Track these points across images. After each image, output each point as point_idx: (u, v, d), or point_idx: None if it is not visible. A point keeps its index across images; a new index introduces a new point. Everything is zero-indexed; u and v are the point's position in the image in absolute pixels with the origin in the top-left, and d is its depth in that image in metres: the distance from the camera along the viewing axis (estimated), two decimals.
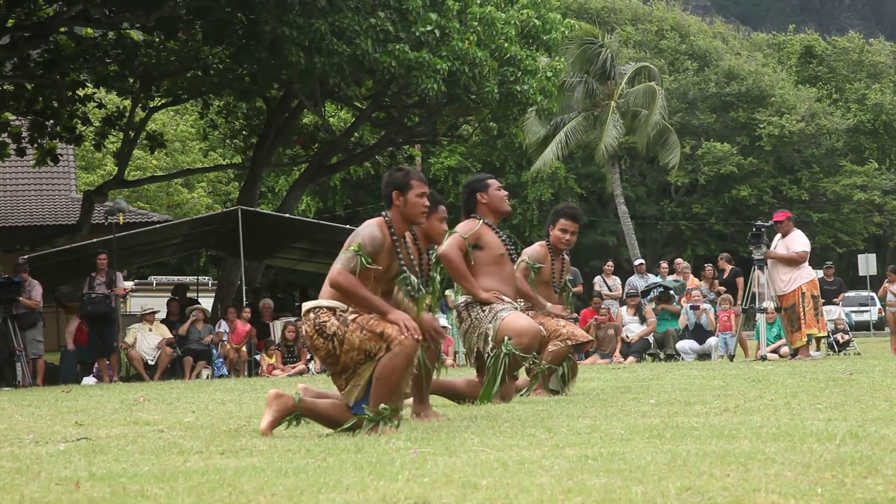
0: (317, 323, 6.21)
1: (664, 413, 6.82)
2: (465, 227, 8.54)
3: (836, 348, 20.15)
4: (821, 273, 22.76)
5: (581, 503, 3.47)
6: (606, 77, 41.82)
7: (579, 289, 20.75)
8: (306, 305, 6.34)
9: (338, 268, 6.23)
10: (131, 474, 4.61)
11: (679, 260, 23.41)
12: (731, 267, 21.04)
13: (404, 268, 6.50)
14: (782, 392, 8.36)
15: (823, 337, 17.91)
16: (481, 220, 8.56)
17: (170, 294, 25.10)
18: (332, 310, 6.23)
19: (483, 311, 8.38)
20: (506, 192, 8.76)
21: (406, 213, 6.51)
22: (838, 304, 21.53)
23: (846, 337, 20.56)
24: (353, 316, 6.17)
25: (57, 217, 31.04)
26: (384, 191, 6.58)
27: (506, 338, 8.19)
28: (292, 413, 6.29)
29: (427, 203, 6.60)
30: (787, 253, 16.12)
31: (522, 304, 9.12)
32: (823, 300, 20.63)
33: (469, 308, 8.45)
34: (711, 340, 19.70)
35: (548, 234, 9.65)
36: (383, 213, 6.55)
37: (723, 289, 20.36)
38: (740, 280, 20.31)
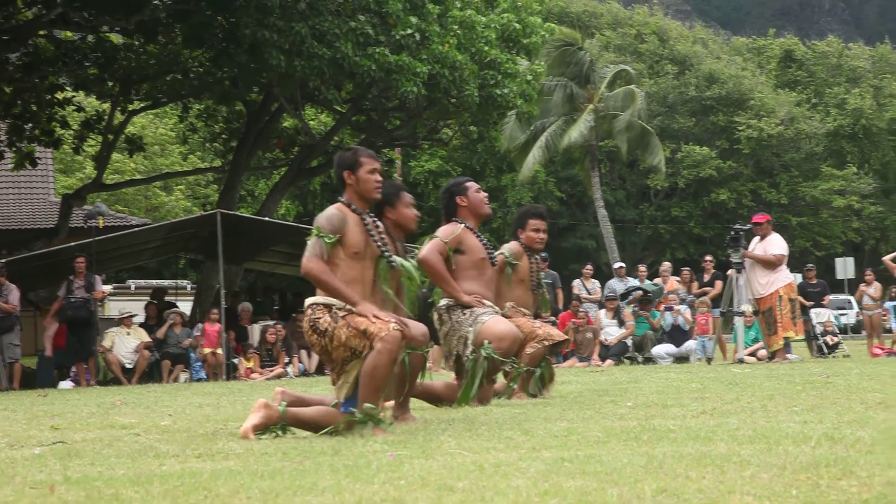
0: (312, 319, 6.29)
1: (641, 416, 6.83)
2: (447, 231, 8.54)
3: (826, 351, 20.21)
4: (800, 277, 22.88)
5: None
6: (586, 81, 41.88)
7: (559, 294, 20.82)
8: (307, 301, 6.41)
9: (306, 256, 6.28)
10: (106, 478, 4.59)
11: (667, 264, 23.38)
12: (714, 270, 21.08)
13: (385, 251, 6.52)
14: (759, 395, 8.38)
15: (801, 340, 18.02)
16: (462, 224, 8.56)
17: (148, 298, 25.04)
18: (329, 307, 6.28)
19: (464, 314, 8.38)
20: (485, 195, 8.77)
21: (360, 191, 6.54)
22: (826, 307, 21.58)
23: (835, 339, 20.61)
24: (343, 313, 6.20)
25: (35, 221, 30.97)
26: (336, 173, 6.63)
27: (485, 342, 8.20)
28: (277, 423, 6.30)
29: (379, 179, 6.62)
30: (765, 255, 16.17)
31: (507, 307, 9.14)
32: (811, 302, 20.78)
33: (450, 311, 8.45)
34: (690, 343, 19.75)
35: (517, 238, 9.66)
36: (340, 196, 6.58)
37: (705, 289, 20.35)
38: (719, 283, 20.36)
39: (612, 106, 41.87)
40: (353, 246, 6.34)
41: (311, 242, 6.32)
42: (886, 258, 21.34)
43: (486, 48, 23.15)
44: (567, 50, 41.32)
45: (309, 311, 6.35)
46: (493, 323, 8.30)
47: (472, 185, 8.71)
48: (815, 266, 23.93)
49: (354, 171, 6.54)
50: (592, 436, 5.61)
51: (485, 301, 8.44)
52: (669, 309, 20.24)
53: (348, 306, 6.24)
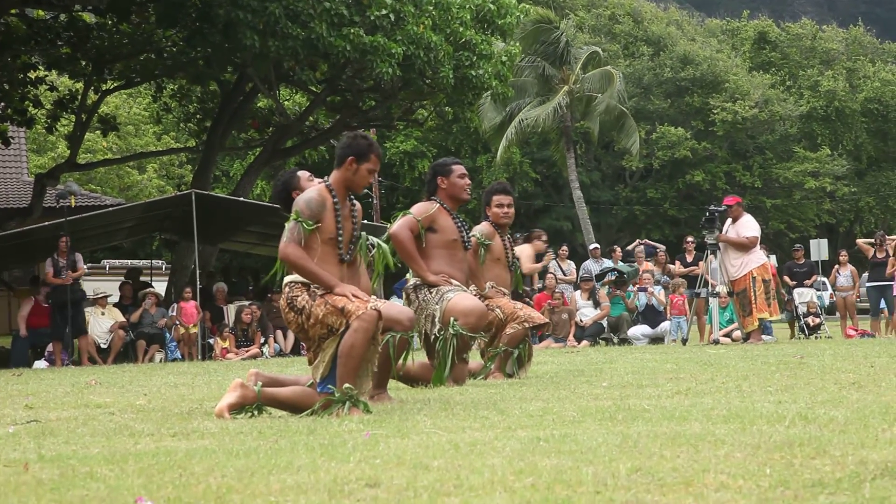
0: (289, 297, 6.32)
1: (616, 396, 6.85)
2: (420, 208, 8.54)
3: (807, 332, 20.30)
4: (774, 259, 22.94)
5: (532, 484, 3.48)
6: (561, 62, 41.80)
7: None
8: (285, 280, 6.43)
9: (284, 240, 6.27)
10: (81, 456, 4.59)
11: (641, 245, 23.42)
12: (695, 252, 21.09)
13: (361, 232, 6.53)
14: (733, 375, 8.42)
15: (778, 321, 18.10)
16: (438, 204, 8.56)
17: (123, 278, 24.95)
18: (307, 285, 6.28)
19: (430, 293, 8.37)
20: (468, 182, 8.75)
21: (352, 181, 6.51)
22: (810, 287, 21.66)
23: (817, 320, 20.71)
24: (321, 291, 6.21)
25: (8, 200, 30.78)
26: (342, 151, 6.55)
27: (452, 318, 8.19)
28: (252, 404, 6.29)
29: (372, 180, 6.63)
30: (738, 238, 16.21)
31: (473, 289, 9.13)
32: (795, 283, 20.88)
33: (417, 290, 8.45)
34: (665, 324, 19.84)
35: (486, 215, 9.69)
36: (324, 178, 6.55)
37: (692, 269, 20.26)
38: (703, 264, 20.45)
39: (588, 88, 41.81)
40: (328, 231, 6.33)
41: (290, 227, 6.31)
42: (860, 241, 21.46)
43: (461, 29, 23.10)
44: (542, 29, 41.21)
45: (286, 290, 6.35)
46: (459, 299, 8.29)
47: (457, 169, 8.70)
48: (790, 248, 24.00)
49: (360, 161, 6.50)
50: (568, 415, 5.62)
51: (452, 280, 8.43)
52: (643, 290, 20.33)
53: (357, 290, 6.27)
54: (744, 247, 16.14)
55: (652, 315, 20.19)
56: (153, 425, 5.91)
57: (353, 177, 6.49)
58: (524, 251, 16.59)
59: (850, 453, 3.87)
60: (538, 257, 18.36)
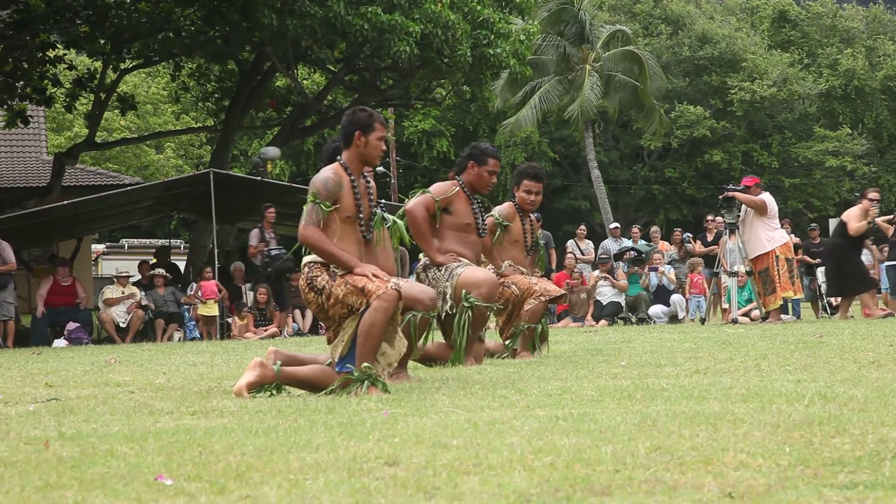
0: (309, 277, 6.33)
1: (635, 375, 6.85)
2: (440, 188, 8.54)
3: (829, 311, 20.24)
4: (796, 238, 22.81)
5: (551, 462, 3.48)
6: (582, 41, 41.68)
7: (552, 254, 20.87)
8: (305, 260, 6.44)
9: (302, 223, 6.27)
10: (101, 434, 4.61)
11: (656, 227, 23.44)
12: (716, 230, 21.00)
13: (377, 209, 6.54)
14: (752, 354, 8.40)
15: (800, 299, 18.06)
16: (459, 187, 8.55)
17: (141, 257, 25.04)
18: (326, 265, 6.29)
19: (440, 271, 8.37)
20: (494, 180, 8.71)
21: (365, 154, 6.51)
22: None
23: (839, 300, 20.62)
24: (341, 272, 6.21)
25: (27, 179, 30.83)
26: (345, 129, 6.55)
27: (464, 291, 8.19)
28: (272, 383, 6.30)
29: (384, 147, 6.61)
30: (751, 198, 16.12)
31: (489, 268, 9.13)
32: (818, 260, 20.80)
33: (426, 270, 8.45)
34: (674, 297, 19.86)
35: (513, 195, 9.66)
36: (338, 157, 6.54)
37: (712, 249, 20.12)
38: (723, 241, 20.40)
39: (609, 67, 41.69)
40: (347, 210, 6.34)
41: (308, 209, 6.31)
42: (880, 220, 21.33)
43: (479, 7, 23.05)
44: (564, 9, 41.09)
45: (306, 270, 6.36)
46: (469, 272, 8.29)
47: (491, 164, 8.64)
48: (808, 227, 23.89)
49: (366, 133, 6.50)
50: (586, 395, 5.62)
51: (460, 259, 8.42)
52: (654, 269, 20.34)
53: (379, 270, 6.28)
54: (759, 210, 16.05)
55: (664, 294, 20.19)
56: (172, 404, 5.93)
57: (364, 150, 6.49)
58: (851, 213, 16.75)
59: (870, 432, 3.86)
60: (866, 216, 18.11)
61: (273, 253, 19.12)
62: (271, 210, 19.53)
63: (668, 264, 20.72)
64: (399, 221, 6.98)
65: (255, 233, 19.60)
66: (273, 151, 22.10)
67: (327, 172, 6.40)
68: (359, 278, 6.19)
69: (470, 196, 8.58)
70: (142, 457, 3.88)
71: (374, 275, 6.21)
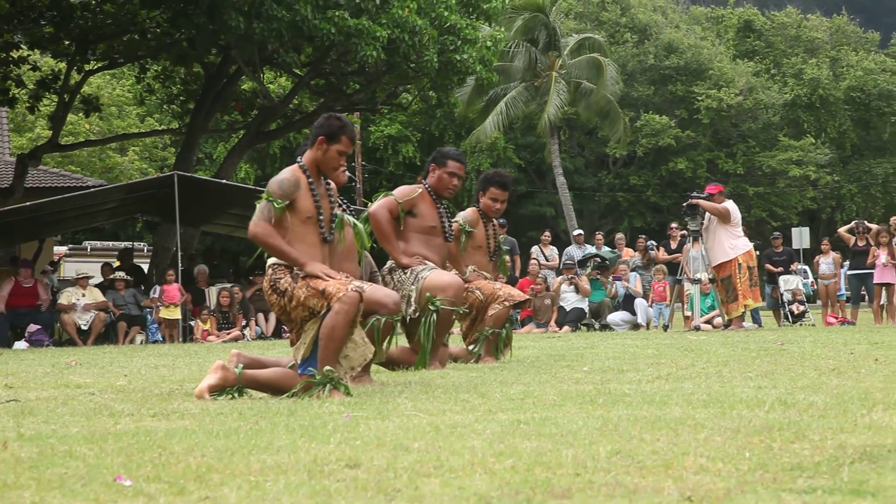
0: (272, 279, 6.30)
1: (597, 380, 6.86)
2: (403, 191, 8.54)
3: (791, 319, 20.36)
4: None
5: (512, 465, 3.48)
6: (549, 48, 41.77)
7: (517, 261, 20.89)
8: (269, 262, 6.42)
9: (253, 220, 6.25)
10: (60, 435, 4.58)
11: (621, 234, 23.54)
12: (680, 238, 21.10)
13: (338, 212, 6.52)
14: (714, 361, 8.44)
15: (761, 307, 18.15)
16: (423, 188, 8.55)
17: (104, 260, 24.91)
18: (290, 268, 6.27)
19: (405, 274, 8.37)
20: (455, 183, 8.68)
21: (322, 162, 6.48)
22: (795, 273, 21.69)
23: (801, 308, 20.74)
24: (303, 274, 6.19)
25: None
26: (314, 130, 6.52)
27: (429, 295, 8.18)
28: (234, 386, 6.28)
29: (344, 163, 6.58)
30: (714, 205, 16.21)
31: (453, 272, 9.12)
32: (781, 269, 20.93)
33: (392, 273, 8.45)
34: (638, 301, 19.95)
35: (477, 200, 9.66)
36: (297, 158, 6.53)
37: (675, 257, 20.21)
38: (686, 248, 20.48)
39: (576, 74, 41.80)
40: (305, 211, 6.32)
41: (260, 206, 6.30)
42: (841, 230, 21.49)
43: (446, 13, 23.08)
44: (536, 16, 41.15)
45: (269, 272, 6.34)
46: (434, 276, 8.29)
47: (451, 166, 8.63)
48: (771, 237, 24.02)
49: (329, 142, 6.48)
50: (548, 399, 5.63)
51: (426, 261, 8.42)
52: (619, 279, 20.45)
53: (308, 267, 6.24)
54: (723, 218, 16.14)
55: (630, 300, 20.30)
56: (133, 406, 5.90)
57: (322, 157, 6.47)
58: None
59: (830, 438, 3.89)
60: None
61: None
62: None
63: (632, 271, 20.80)
64: (360, 225, 6.98)
65: None
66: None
67: (285, 173, 6.39)
68: (320, 281, 6.17)
69: (435, 199, 8.58)
70: (101, 458, 3.86)
71: (326, 274, 6.19)
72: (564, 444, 3.90)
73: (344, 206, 7.31)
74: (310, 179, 6.39)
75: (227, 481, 3.34)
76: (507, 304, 9.28)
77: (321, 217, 6.37)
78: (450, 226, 8.73)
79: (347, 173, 7.77)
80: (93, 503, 3.06)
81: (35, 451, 4.05)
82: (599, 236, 23.59)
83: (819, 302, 22.68)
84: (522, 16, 41.03)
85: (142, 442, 4.24)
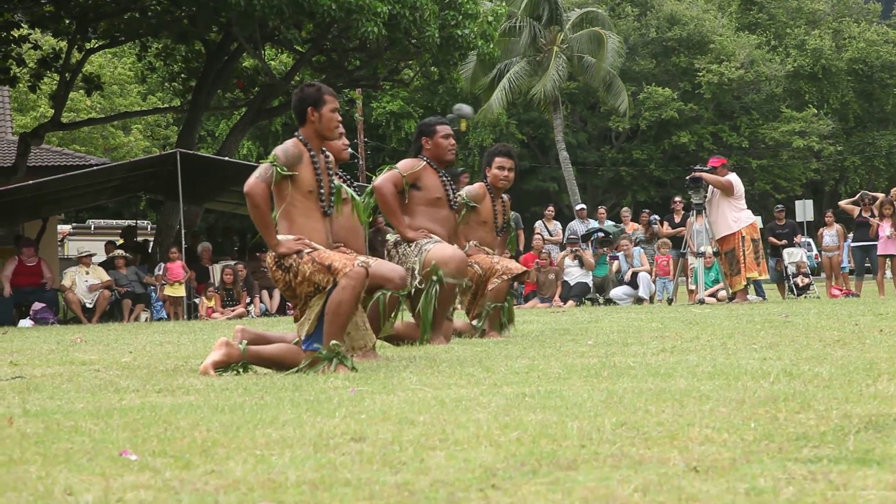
0: (277, 255, 6.22)
1: (602, 353, 6.87)
2: (407, 164, 8.52)
3: (796, 292, 20.35)
4: (759, 221, 22.95)
5: (517, 438, 3.48)
6: (550, 22, 41.65)
7: (520, 235, 20.88)
8: None
9: (253, 176, 6.23)
10: (66, 411, 4.59)
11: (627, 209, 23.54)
12: (683, 213, 21.07)
13: (338, 184, 6.51)
14: (719, 333, 8.44)
15: (766, 280, 18.16)
16: (425, 162, 8.54)
17: (108, 238, 24.92)
18: None
19: (409, 247, 8.37)
20: (452, 143, 8.69)
21: (320, 129, 6.46)
22: (799, 246, 21.67)
23: (806, 280, 20.73)
24: (308, 249, 6.18)
25: None
26: (297, 108, 6.50)
27: (434, 264, 8.17)
28: (238, 362, 6.28)
29: (340, 118, 6.56)
30: (717, 179, 16.20)
31: (469, 245, 9.15)
32: (785, 242, 20.92)
33: (397, 246, 8.46)
34: (642, 275, 19.94)
35: (485, 176, 9.67)
36: (296, 133, 6.52)
37: (679, 230, 20.16)
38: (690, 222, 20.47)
39: (577, 48, 41.70)
40: (307, 184, 6.30)
41: (264, 166, 6.28)
42: (843, 202, 21.46)
43: None
44: None
45: None
46: (437, 248, 8.28)
47: (442, 129, 8.64)
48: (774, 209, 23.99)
49: (318, 108, 6.45)
50: (553, 372, 5.63)
51: (431, 235, 8.42)
52: (616, 256, 20.47)
53: (314, 243, 6.23)
54: (726, 191, 16.12)
55: (633, 277, 20.29)
56: (138, 382, 5.91)
57: (320, 124, 6.44)
58: None
59: (835, 408, 3.88)
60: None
61: None
62: (466, 175, 19.27)
63: (635, 246, 20.78)
64: (357, 198, 6.97)
65: None
66: (467, 109, 21.67)
67: (288, 144, 6.38)
68: (325, 255, 6.16)
69: (437, 170, 8.57)
70: (106, 433, 3.86)
71: (300, 244, 6.17)
72: (569, 416, 3.90)
73: (344, 178, 7.30)
74: (311, 153, 6.38)
75: (232, 455, 3.34)
76: (505, 277, 9.29)
77: (322, 191, 6.36)
78: (455, 195, 8.73)
79: (350, 149, 7.76)
80: (98, 477, 3.06)
81: (41, 427, 4.06)
82: (602, 210, 23.61)
83: (823, 274, 22.64)
84: None
85: (147, 417, 4.24)
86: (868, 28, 57.65)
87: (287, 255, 6.19)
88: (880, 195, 20.02)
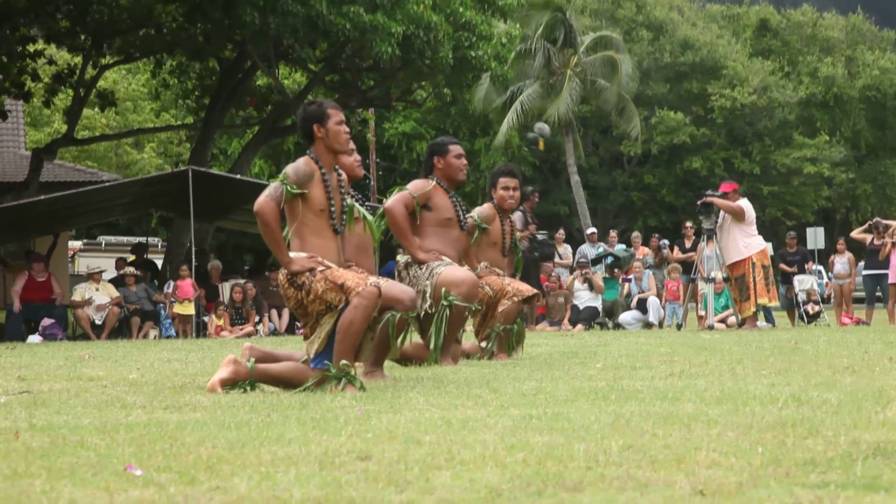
0: (289, 273, 6.21)
1: (610, 377, 6.85)
2: (417, 185, 8.52)
3: (806, 319, 20.30)
4: (770, 247, 22.92)
5: (523, 459, 3.47)
6: (565, 45, 41.70)
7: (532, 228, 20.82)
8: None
9: (264, 195, 6.24)
10: (72, 426, 4.59)
11: (637, 233, 23.55)
12: (694, 238, 21.04)
13: (351, 202, 6.52)
14: (727, 359, 8.42)
15: (776, 307, 18.12)
16: (435, 182, 8.54)
17: (118, 255, 24.95)
18: None
19: (420, 269, 8.36)
20: (464, 163, 8.71)
21: (330, 144, 6.47)
22: (810, 273, 21.64)
23: (816, 308, 20.67)
24: (321, 268, 6.18)
25: (4, 174, 30.64)
26: (303, 127, 6.54)
27: (444, 290, 8.17)
28: (245, 380, 6.27)
29: (348, 130, 6.57)
30: (729, 204, 16.17)
31: (466, 268, 9.12)
32: (795, 269, 20.88)
33: (408, 267, 8.44)
34: (651, 300, 19.90)
35: (491, 197, 9.67)
36: (308, 151, 6.52)
37: (689, 256, 20.13)
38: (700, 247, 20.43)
39: (591, 72, 41.74)
40: (319, 203, 6.31)
41: (274, 185, 6.28)
42: (855, 232, 21.41)
43: (461, 9, 23.04)
44: (553, 15, 41.06)
45: None
46: (449, 271, 8.28)
47: (454, 150, 8.65)
48: (786, 235, 23.94)
49: (323, 123, 6.47)
50: (561, 395, 5.62)
51: (442, 257, 8.41)
52: (628, 280, 20.44)
53: (326, 262, 6.23)
54: (737, 217, 16.10)
55: (643, 301, 20.26)
56: (145, 398, 5.91)
57: (328, 139, 6.46)
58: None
59: (843, 434, 3.87)
60: None
61: (540, 237, 19.00)
62: (536, 194, 19.32)
63: (645, 269, 20.76)
64: (370, 216, 6.97)
65: (518, 216, 19.06)
66: (547, 128, 21.58)
67: (299, 162, 6.40)
68: (338, 274, 6.16)
69: (447, 191, 8.57)
70: (112, 448, 3.86)
71: (311, 265, 6.17)
72: (576, 438, 3.90)
73: (356, 197, 7.30)
74: (322, 171, 6.39)
75: (237, 472, 3.34)
76: (516, 299, 9.28)
77: (333, 209, 6.36)
78: (465, 216, 8.73)
79: (363, 169, 7.77)
80: (103, 492, 3.06)
81: (46, 441, 4.06)
82: (613, 234, 23.59)
83: (833, 302, 22.58)
84: (543, 14, 40.88)
85: (153, 433, 4.24)
86: (882, 56, 57.63)
87: (299, 273, 6.19)
88: (893, 222, 19.95)
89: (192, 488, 3.10)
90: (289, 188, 6.23)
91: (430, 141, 9.22)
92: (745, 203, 16.47)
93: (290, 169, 6.32)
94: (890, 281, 19.24)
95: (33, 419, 4.91)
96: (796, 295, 20.72)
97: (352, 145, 7.57)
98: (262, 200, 6.22)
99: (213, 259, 23.10)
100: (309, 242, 6.30)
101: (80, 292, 19.58)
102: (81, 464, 3.51)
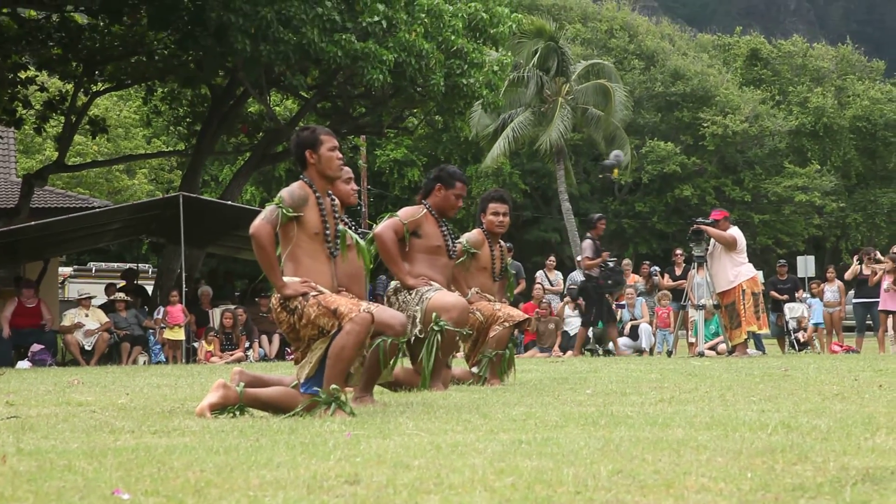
0: (282, 297, 6.22)
1: (600, 402, 6.84)
2: (408, 212, 8.54)
3: (797, 347, 20.31)
4: (761, 275, 22.93)
5: (512, 483, 3.47)
6: (557, 73, 41.78)
7: (522, 284, 20.81)
8: None
9: (259, 219, 6.24)
10: (60, 450, 4.57)
11: (628, 260, 23.57)
12: (684, 265, 21.08)
13: (343, 228, 6.53)
14: (717, 385, 8.42)
15: (765, 335, 18.15)
16: (426, 210, 8.55)
17: (108, 281, 24.90)
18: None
19: (410, 294, 8.37)
20: (461, 204, 8.75)
21: (322, 169, 6.49)
22: (801, 301, 21.68)
23: (806, 336, 20.70)
24: (314, 293, 6.18)
25: None
26: (296, 153, 6.57)
27: (434, 315, 8.17)
28: (235, 404, 6.26)
29: (341, 156, 6.59)
30: (721, 233, 16.21)
31: (455, 293, 9.12)
32: (786, 296, 20.92)
33: (397, 293, 8.45)
34: (643, 327, 19.91)
35: (481, 222, 9.69)
36: (301, 176, 6.53)
37: (680, 283, 20.17)
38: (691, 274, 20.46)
39: (583, 100, 41.84)
40: (313, 226, 6.32)
41: (269, 208, 6.29)
42: (848, 273, 21.43)
43: (453, 37, 23.10)
44: (546, 45, 41.15)
45: None
46: (439, 296, 8.28)
47: (459, 187, 8.67)
48: (777, 263, 23.99)
49: (316, 149, 6.49)
50: (550, 420, 5.61)
51: (431, 282, 8.41)
52: (622, 306, 20.45)
53: (320, 286, 6.23)
54: (728, 245, 16.13)
55: (634, 328, 20.27)
56: (134, 423, 5.89)
57: (320, 164, 6.49)
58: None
59: (832, 460, 3.87)
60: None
61: (611, 265, 18.92)
62: (603, 221, 19.26)
63: (638, 296, 20.80)
64: (361, 242, 6.99)
65: (588, 244, 18.96)
66: (623, 157, 21.44)
67: (294, 186, 6.41)
68: (332, 300, 6.16)
69: (438, 219, 8.59)
70: (99, 472, 3.84)
71: (302, 291, 6.17)
72: (566, 463, 3.89)
73: (348, 223, 7.31)
74: (317, 195, 6.40)
75: (225, 496, 3.33)
76: (507, 324, 9.28)
77: (328, 233, 6.37)
78: (454, 244, 8.74)
79: (356, 197, 7.78)
80: None
81: (34, 465, 4.04)
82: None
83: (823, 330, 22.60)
84: (536, 43, 40.95)
85: (141, 457, 4.23)
86: (871, 86, 57.89)
87: (293, 298, 6.19)
88: (883, 259, 19.92)
89: None
90: (284, 211, 6.24)
91: (442, 165, 9.21)
92: (736, 231, 16.50)
93: (285, 192, 6.34)
94: (880, 308, 19.27)
95: (21, 444, 4.89)
96: (787, 322, 20.75)
97: (350, 174, 7.59)
98: (258, 223, 6.22)
99: (203, 285, 23.08)
100: (304, 266, 6.31)
101: (70, 318, 19.54)
102: (69, 488, 3.50)
